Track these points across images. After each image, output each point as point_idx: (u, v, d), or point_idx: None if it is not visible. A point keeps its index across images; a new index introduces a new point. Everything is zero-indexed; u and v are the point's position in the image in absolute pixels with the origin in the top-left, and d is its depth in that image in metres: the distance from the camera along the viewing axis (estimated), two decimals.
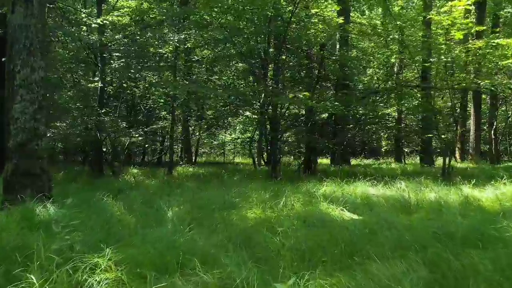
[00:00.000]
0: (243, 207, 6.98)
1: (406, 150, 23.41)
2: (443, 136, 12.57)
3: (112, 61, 12.45)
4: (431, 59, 11.56)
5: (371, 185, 9.52)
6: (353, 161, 22.23)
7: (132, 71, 12.41)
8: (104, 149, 19.87)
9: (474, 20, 14.19)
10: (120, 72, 12.84)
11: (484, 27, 11.99)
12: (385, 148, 26.48)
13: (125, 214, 6.30)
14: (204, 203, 7.45)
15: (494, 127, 19.12)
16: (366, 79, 19.08)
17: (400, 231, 5.53)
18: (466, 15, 12.52)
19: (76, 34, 11.81)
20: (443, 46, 11.32)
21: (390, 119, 17.42)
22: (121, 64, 12.13)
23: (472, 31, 11.25)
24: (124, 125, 14.14)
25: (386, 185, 9.53)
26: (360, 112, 12.18)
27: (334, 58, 14.21)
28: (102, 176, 14.48)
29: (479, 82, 11.19)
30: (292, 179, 12.82)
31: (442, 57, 11.18)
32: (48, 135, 15.53)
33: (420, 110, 14.08)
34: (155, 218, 6.47)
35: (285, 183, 10.76)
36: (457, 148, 21.28)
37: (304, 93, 10.75)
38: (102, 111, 14.14)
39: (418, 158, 23.97)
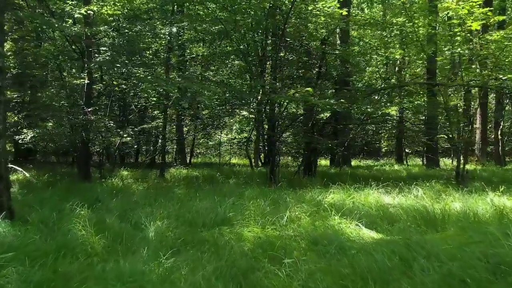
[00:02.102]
0: (239, 223, 5.55)
1: (407, 151, 22.00)
2: (453, 135, 11.18)
3: (97, 55, 10.96)
4: (446, 52, 10.18)
5: (384, 192, 8.09)
6: (353, 162, 20.82)
7: (118, 65, 10.90)
8: (96, 150, 18.39)
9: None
10: (107, 67, 11.35)
11: (504, 17, 10.57)
12: (385, 148, 25.05)
13: (91, 235, 4.84)
14: (193, 216, 6.02)
15: (500, 127, 17.79)
16: (366, 77, 17.66)
17: (441, 259, 4.14)
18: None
19: (57, 25, 10.32)
20: (458, 38, 9.94)
21: (391, 118, 15.98)
22: (106, 58, 10.64)
23: (491, 21, 9.87)
24: (112, 124, 12.65)
25: (401, 192, 8.11)
26: (368, 110, 10.80)
27: (337, 53, 12.77)
28: (88, 179, 12.99)
29: (500, 77, 9.81)
30: (292, 183, 11.40)
31: (459, 49, 9.80)
32: (32, 135, 14.21)
33: (430, 109, 12.67)
34: (129, 239, 5.04)
35: (285, 189, 9.35)
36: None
37: (307, 88, 9.33)
38: (89, 109, 12.65)
39: (419, 159, 22.62)
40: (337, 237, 4.99)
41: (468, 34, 9.84)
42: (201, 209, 6.35)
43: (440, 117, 14.79)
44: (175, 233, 5.29)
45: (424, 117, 18.34)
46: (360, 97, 11.33)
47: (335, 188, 8.78)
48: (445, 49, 10.11)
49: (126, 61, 11.17)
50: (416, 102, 12.67)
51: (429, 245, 4.60)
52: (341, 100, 9.78)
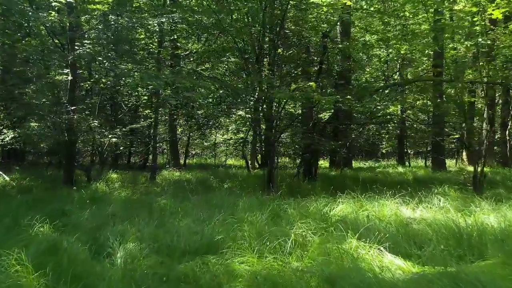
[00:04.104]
0: (229, 250, 4.18)
1: (409, 152, 20.63)
2: (474, 135, 9.84)
3: (76, 47, 9.56)
4: (466, 42, 8.85)
5: (402, 201, 6.71)
6: (353, 163, 19.41)
7: (100, 58, 9.53)
8: (88, 151, 16.93)
9: None
10: (89, 61, 9.96)
11: None
12: (386, 149, 23.66)
13: (28, 271, 3.47)
14: (172, 239, 4.65)
15: (508, 127, 16.48)
16: (368, 74, 16.31)
17: None
18: None
19: (31, 13, 8.92)
20: (476, 28, 8.63)
21: (395, 117, 14.63)
22: (87, 50, 9.25)
23: None
24: (96, 124, 11.25)
25: (420, 202, 6.75)
26: (378, 107, 9.50)
27: (340, 46, 11.42)
28: (72, 183, 11.54)
29: None
30: (292, 188, 10.07)
31: (480, 39, 8.48)
32: (12, 135, 12.85)
33: (438, 107, 11.34)
34: (84, 274, 3.67)
35: (285, 197, 7.98)
36: (464, 150, 18.60)
37: (310, 83, 7.98)
38: (72, 108, 11.26)
39: (421, 160, 21.29)
40: (358, 271, 3.65)
41: (489, 24, 8.51)
42: (184, 227, 4.98)
43: (447, 116, 13.45)
44: (146, 264, 3.93)
45: (426, 116, 17.04)
46: (366, 93, 9.96)
47: (342, 196, 7.42)
48: (476, 35, 8.70)
49: (109, 54, 9.76)
50: (427, 98, 11.31)
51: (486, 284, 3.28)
52: (348, 97, 8.44)
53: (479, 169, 9.29)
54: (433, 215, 5.96)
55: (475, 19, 8.62)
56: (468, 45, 8.71)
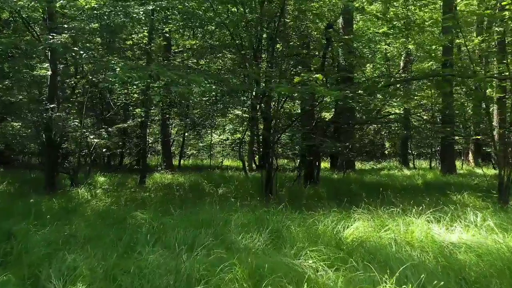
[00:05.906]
0: None
1: (414, 153, 19.20)
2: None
3: (50, 37, 8.13)
4: (495, 28, 7.45)
5: (432, 218, 5.27)
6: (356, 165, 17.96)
7: (75, 48, 8.13)
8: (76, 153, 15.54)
9: None
10: (65, 51, 8.54)
11: None
12: (388, 150, 22.18)
13: None
14: (133, 282, 3.22)
15: None
16: (368, 70, 14.89)
17: None
18: None
19: None
20: (506, 13, 7.27)
21: (404, 116, 13.22)
22: (61, 40, 7.83)
23: None
24: (77, 123, 9.82)
25: (453, 218, 5.33)
26: (394, 104, 8.15)
27: (346, 37, 10.01)
28: (53, 188, 10.08)
29: None
30: (294, 196, 8.68)
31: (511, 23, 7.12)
32: None
33: (448, 104, 10.00)
34: None
35: (287, 208, 6.55)
36: (470, 151, 17.26)
37: (316, 75, 6.59)
38: (51, 105, 9.85)
39: (424, 161, 19.89)
40: None
41: None
42: (154, 262, 3.55)
43: (457, 117, 12.12)
44: None
45: (429, 116, 15.66)
46: (376, 88, 8.56)
47: (354, 208, 6.01)
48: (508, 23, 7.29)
49: (88, 45, 8.36)
50: (434, 95, 9.96)
51: None
52: (360, 91, 7.05)
53: (503, 173, 7.90)
54: (475, 237, 4.56)
55: (504, 2, 7.22)
56: (497, 30, 7.30)
